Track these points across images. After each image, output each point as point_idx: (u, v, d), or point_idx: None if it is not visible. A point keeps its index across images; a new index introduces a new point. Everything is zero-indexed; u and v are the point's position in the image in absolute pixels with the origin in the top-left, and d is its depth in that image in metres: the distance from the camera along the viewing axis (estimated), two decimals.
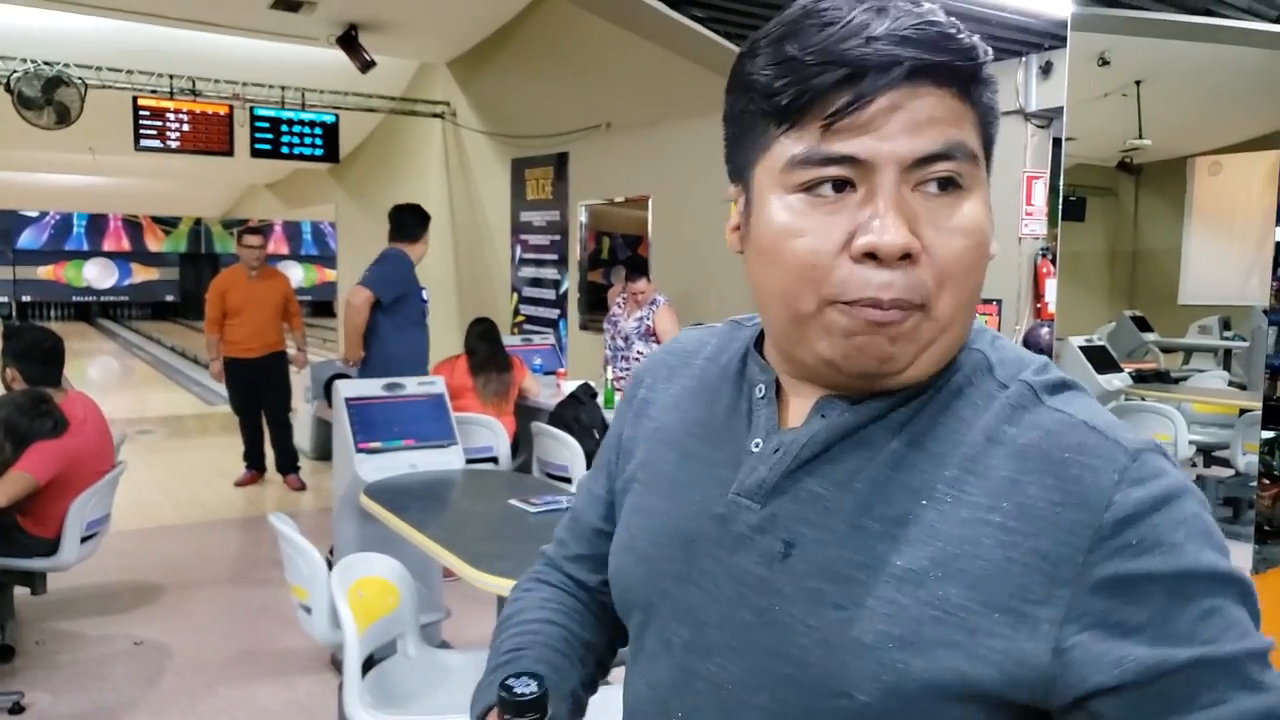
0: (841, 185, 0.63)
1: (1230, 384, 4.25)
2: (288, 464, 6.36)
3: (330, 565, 2.48)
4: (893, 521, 0.64)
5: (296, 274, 21.76)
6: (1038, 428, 0.63)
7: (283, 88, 8.67)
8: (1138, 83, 3.85)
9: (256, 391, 6.18)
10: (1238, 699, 0.58)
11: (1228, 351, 4.44)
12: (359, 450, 3.39)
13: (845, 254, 0.62)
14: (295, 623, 2.75)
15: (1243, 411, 3.21)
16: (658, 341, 5.43)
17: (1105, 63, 2.96)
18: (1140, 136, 4.13)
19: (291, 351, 6.45)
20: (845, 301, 0.63)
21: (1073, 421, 0.63)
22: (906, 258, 0.62)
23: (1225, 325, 4.44)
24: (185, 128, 8.23)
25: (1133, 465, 0.60)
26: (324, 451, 6.82)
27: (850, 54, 0.61)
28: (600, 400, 4.96)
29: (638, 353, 5.46)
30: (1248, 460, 2.67)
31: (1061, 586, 0.59)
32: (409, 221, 4.82)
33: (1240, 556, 2.11)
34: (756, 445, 0.72)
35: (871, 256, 0.62)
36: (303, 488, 6.29)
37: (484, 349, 5.05)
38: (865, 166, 0.62)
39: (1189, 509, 0.60)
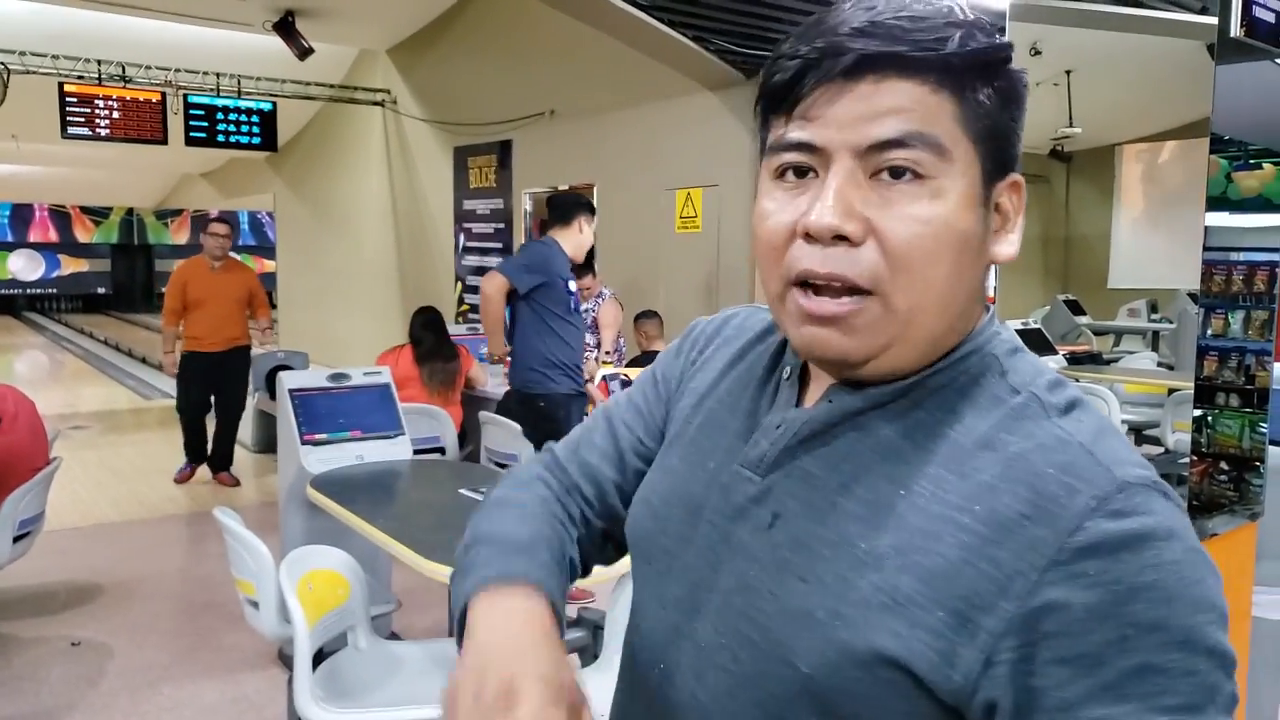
0: (805, 171, 0.66)
1: (1159, 365, 4.39)
2: (224, 462, 6.16)
3: None
4: (868, 505, 0.65)
5: None
6: (1032, 439, 0.62)
7: (217, 74, 8.47)
8: (1068, 72, 3.95)
9: (213, 387, 5.93)
10: None
11: (1155, 333, 4.59)
12: (304, 442, 3.35)
13: (797, 236, 0.66)
14: (240, 618, 2.71)
15: (1171, 391, 3.31)
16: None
17: (1037, 52, 3.02)
18: (1071, 124, 4.24)
19: (270, 357, 6.26)
20: (791, 280, 0.66)
21: (1069, 441, 0.62)
22: (843, 240, 0.63)
23: (1152, 308, 4.59)
24: (115, 115, 8.00)
25: (1116, 495, 0.58)
26: (267, 444, 6.70)
27: (815, 45, 0.64)
28: None
29: (583, 345, 5.46)
30: (1177, 438, 2.77)
31: (1009, 600, 0.58)
32: (557, 204, 4.29)
33: None
34: (777, 427, 0.74)
35: (811, 236, 0.65)
36: (236, 483, 6.10)
37: (429, 338, 5.01)
38: (822, 153, 0.65)
39: (1169, 555, 0.57)
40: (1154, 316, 4.59)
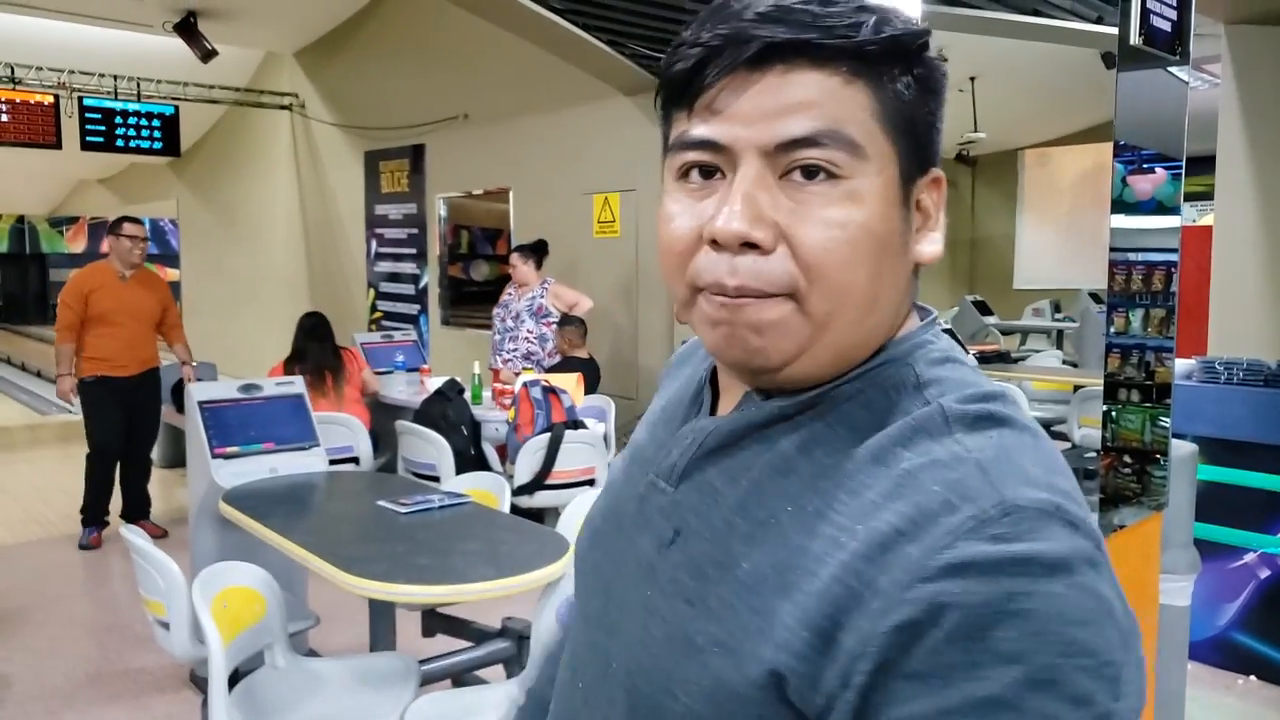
0: (712, 171, 0.61)
1: (1064, 362, 4.56)
2: (142, 509, 5.19)
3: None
4: (757, 524, 0.60)
5: None
6: (927, 455, 0.56)
7: (115, 77, 8.15)
8: (972, 79, 4.08)
9: (128, 418, 4.98)
10: None
11: (1059, 332, 4.76)
12: (215, 456, 3.23)
13: (704, 242, 0.61)
14: (148, 640, 2.60)
15: (1077, 388, 3.43)
16: (548, 322, 5.37)
17: (944, 59, 3.09)
18: (975, 129, 4.38)
19: (175, 369, 5.47)
20: (700, 287, 0.61)
21: (965, 459, 0.56)
22: (753, 246, 0.58)
23: (1056, 307, 4.76)
24: (4, 118, 7.65)
25: (1000, 519, 0.52)
26: (174, 459, 6.46)
27: (718, 32, 0.59)
28: (468, 396, 4.88)
29: (528, 331, 5.37)
30: (1083, 434, 2.87)
31: (867, 618, 0.53)
32: None
33: None
34: (687, 436, 0.71)
35: (718, 243, 0.59)
36: (164, 534, 5.03)
37: (314, 348, 4.84)
38: (728, 152, 0.59)
39: (1049, 588, 0.50)
40: (1057, 316, 4.77)
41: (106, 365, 4.86)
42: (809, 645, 0.54)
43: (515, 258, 5.41)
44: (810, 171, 0.58)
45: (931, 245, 0.64)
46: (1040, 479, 0.55)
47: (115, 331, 4.85)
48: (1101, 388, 2.67)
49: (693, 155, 0.61)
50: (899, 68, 0.60)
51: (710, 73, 0.59)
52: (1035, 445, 0.58)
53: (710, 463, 0.66)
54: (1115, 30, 2.21)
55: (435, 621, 3.05)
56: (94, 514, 5.05)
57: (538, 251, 5.45)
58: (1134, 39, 2.17)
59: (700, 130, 0.60)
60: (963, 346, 0.69)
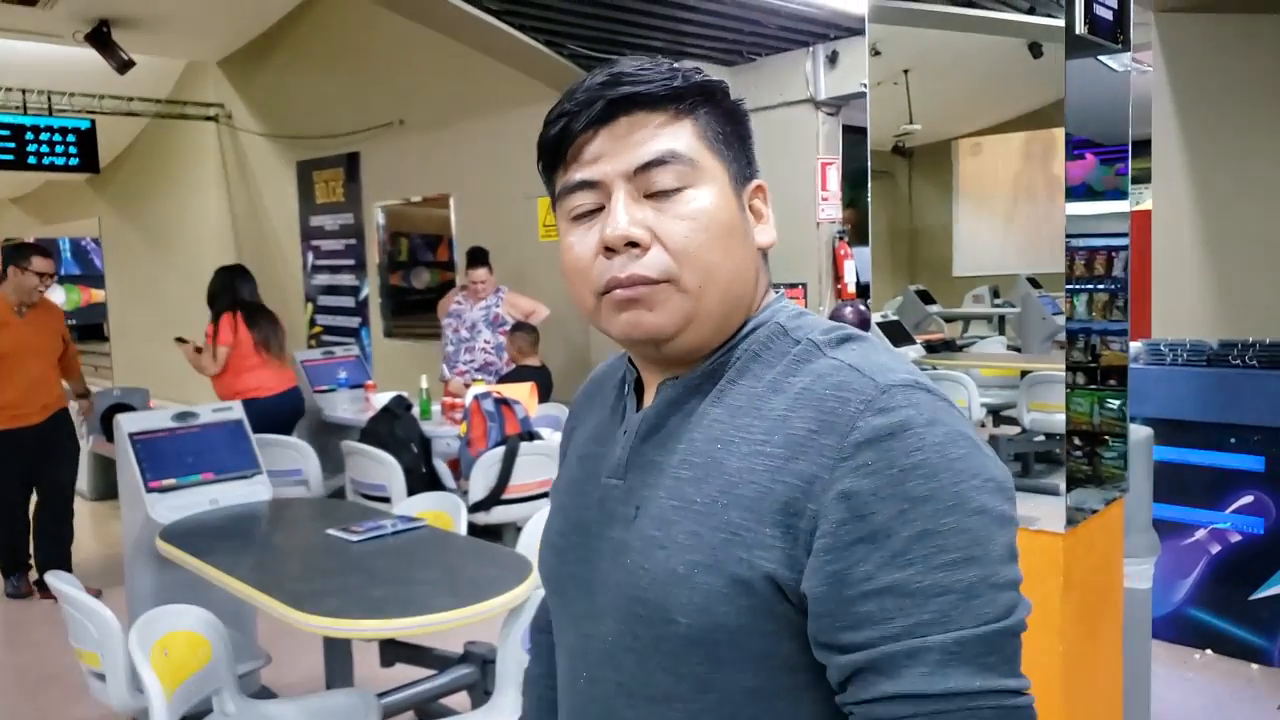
0: (594, 210, 0.79)
1: (1008, 348, 4.59)
2: (63, 561, 4.53)
3: None
4: (699, 468, 0.77)
5: (58, 298, 19.76)
6: (812, 373, 0.76)
7: (24, 90, 7.82)
8: (906, 72, 4.08)
9: (34, 471, 4.49)
10: (916, 632, 0.66)
11: (1001, 318, 4.81)
12: (150, 490, 3.08)
13: (599, 255, 0.79)
14: (86, 690, 2.45)
15: (1024, 374, 3.44)
16: (504, 330, 5.27)
17: (877, 53, 3.10)
18: (911, 121, 4.39)
19: (103, 395, 5.18)
20: (602, 291, 0.78)
21: (840, 365, 0.75)
22: (635, 246, 0.77)
23: (994, 293, 4.80)
24: None
25: (880, 397, 0.71)
26: (106, 490, 6.21)
27: (574, 102, 0.80)
28: (416, 411, 4.75)
29: (484, 341, 5.26)
30: (1032, 418, 2.88)
31: (812, 500, 0.70)
32: None
33: (1038, 508, 2.20)
34: (623, 432, 0.86)
35: (610, 249, 0.77)
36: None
37: (250, 296, 4.82)
38: (601, 186, 0.79)
39: (931, 438, 0.69)
40: (997, 301, 4.81)
41: (7, 415, 4.31)
42: (775, 538, 0.71)
43: (483, 272, 5.31)
44: (665, 187, 0.78)
45: (766, 235, 0.85)
46: (899, 367, 0.75)
47: (17, 374, 4.30)
48: (1046, 372, 2.67)
49: (578, 197, 0.80)
50: (709, 105, 0.82)
51: (574, 130, 0.79)
52: (888, 350, 0.78)
53: (648, 446, 0.82)
54: (1049, 20, 2.22)
55: (394, 650, 2.94)
56: (12, 563, 4.64)
57: (484, 258, 5.38)
58: (1079, 28, 2.17)
59: (577, 175, 0.80)
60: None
